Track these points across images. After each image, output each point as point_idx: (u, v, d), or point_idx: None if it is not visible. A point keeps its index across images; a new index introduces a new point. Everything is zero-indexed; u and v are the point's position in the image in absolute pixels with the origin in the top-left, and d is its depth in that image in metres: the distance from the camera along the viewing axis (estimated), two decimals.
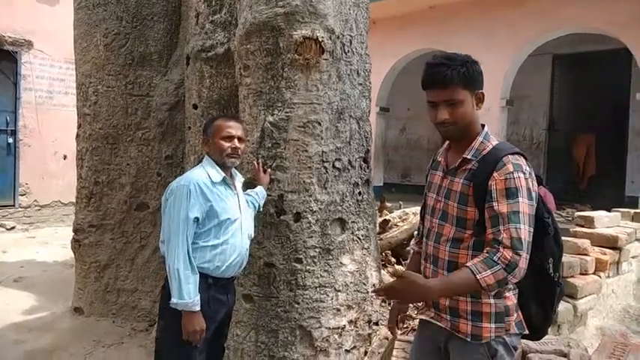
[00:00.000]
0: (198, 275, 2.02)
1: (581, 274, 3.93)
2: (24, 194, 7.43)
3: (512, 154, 1.59)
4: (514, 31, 7.92)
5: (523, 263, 1.50)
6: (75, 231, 4.05)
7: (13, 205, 7.39)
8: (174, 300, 1.97)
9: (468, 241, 1.63)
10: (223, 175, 2.16)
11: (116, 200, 3.92)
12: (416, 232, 2.08)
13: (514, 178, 1.53)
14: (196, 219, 2.03)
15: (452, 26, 8.34)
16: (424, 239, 1.81)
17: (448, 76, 1.56)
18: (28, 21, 7.26)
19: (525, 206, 1.52)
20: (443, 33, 8.36)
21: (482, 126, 1.70)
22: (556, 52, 9.16)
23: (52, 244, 6.56)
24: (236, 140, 2.18)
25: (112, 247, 3.94)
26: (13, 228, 7.23)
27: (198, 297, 2.00)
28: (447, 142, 1.80)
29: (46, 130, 7.39)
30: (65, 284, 4.51)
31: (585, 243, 4.16)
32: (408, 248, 3.29)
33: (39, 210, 7.57)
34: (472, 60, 1.62)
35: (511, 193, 1.53)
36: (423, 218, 1.91)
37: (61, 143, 7.29)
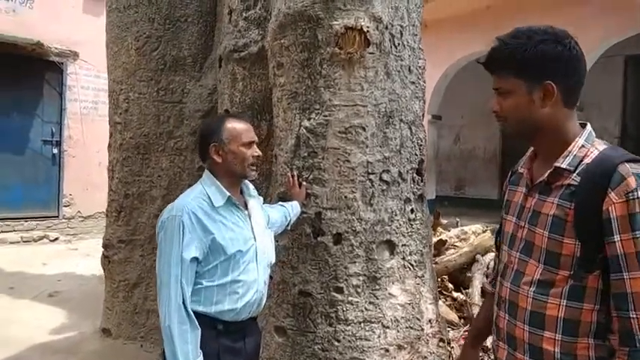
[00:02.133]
0: (199, 331, 1.62)
1: None
2: (68, 205, 7.44)
3: (630, 161, 1.11)
4: (581, 31, 7.11)
5: None
6: (104, 247, 3.83)
7: (57, 217, 7.40)
8: None
9: (562, 285, 1.17)
10: (228, 195, 1.74)
11: (147, 214, 3.66)
12: (492, 265, 1.60)
13: (637, 199, 1.06)
14: (195, 259, 1.63)
15: (510, 27, 7.67)
16: (499, 278, 1.36)
17: (494, 58, 1.23)
18: (74, 32, 7.30)
19: None
20: (501, 34, 7.73)
21: (583, 125, 1.24)
22: (629, 53, 8.33)
23: (94, 256, 6.44)
24: (256, 146, 1.80)
25: (142, 264, 3.68)
26: (56, 239, 7.23)
27: (201, 358, 1.60)
28: (532, 149, 1.35)
29: (91, 141, 7.39)
30: (99, 300, 4.29)
31: None
32: (482, 285, 2.76)
33: (82, 221, 7.55)
34: (544, 39, 1.17)
35: (637, 224, 1.06)
36: (498, 249, 1.45)
37: (104, 154, 7.18)
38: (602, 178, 1.10)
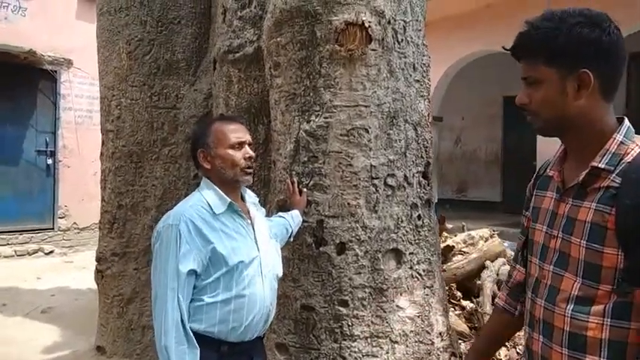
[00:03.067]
0: (198, 350, 1.47)
1: None
2: (63, 217, 7.27)
3: None
4: None
5: None
6: (97, 260, 3.67)
7: (52, 229, 7.23)
8: None
9: (604, 302, 1.02)
10: (229, 200, 1.60)
11: (141, 225, 3.50)
12: (506, 279, 1.44)
13: None
14: (193, 272, 1.49)
15: (511, 25, 7.55)
16: (530, 294, 1.20)
17: (523, 44, 1.09)
18: (67, 39, 7.15)
19: None
20: (502, 33, 7.59)
21: (620, 120, 1.09)
22: (632, 49, 8.20)
23: (89, 269, 6.23)
24: (247, 147, 1.64)
25: (137, 278, 3.52)
26: (51, 252, 7.06)
27: None
28: (562, 148, 1.19)
29: (86, 151, 7.23)
30: (93, 316, 4.13)
31: None
32: (495, 302, 2.60)
33: (78, 233, 7.39)
34: (580, 22, 1.03)
35: None
36: (524, 261, 1.29)
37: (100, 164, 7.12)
38: None
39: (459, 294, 3.37)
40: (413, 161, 2.35)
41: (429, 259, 2.40)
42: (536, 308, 1.16)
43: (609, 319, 1.02)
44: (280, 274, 1.79)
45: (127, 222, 3.53)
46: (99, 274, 3.64)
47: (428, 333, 2.31)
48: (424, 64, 2.45)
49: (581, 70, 1.04)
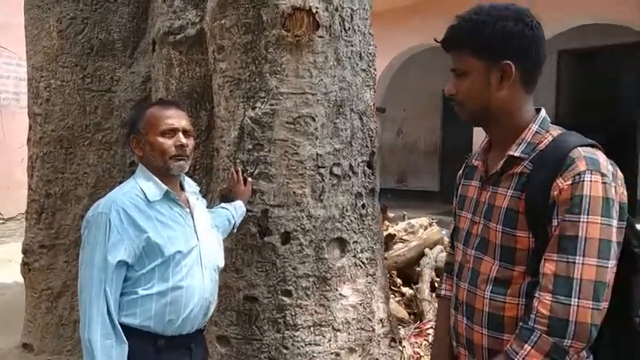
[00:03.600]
0: (126, 345, 1.40)
1: None
2: None
3: (584, 145, 1.04)
4: None
5: (587, 317, 0.95)
6: (24, 252, 3.44)
7: None
8: None
9: (519, 283, 1.09)
10: (165, 188, 1.52)
11: (71, 215, 3.30)
12: (445, 267, 1.49)
13: (583, 182, 0.99)
14: (123, 263, 1.41)
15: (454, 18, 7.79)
16: (455, 278, 1.26)
17: (452, 36, 1.15)
18: None
19: (596, 228, 0.97)
20: (444, 26, 7.79)
21: (538, 110, 1.16)
22: (562, 47, 8.66)
23: (16, 262, 5.87)
24: (181, 135, 1.55)
25: (67, 271, 3.32)
26: None
27: None
28: (487, 139, 1.25)
29: (12, 135, 6.73)
30: (20, 312, 3.88)
31: None
32: (436, 292, 2.65)
33: (4, 223, 6.91)
34: (505, 15, 1.08)
35: (575, 207, 0.98)
36: (454, 248, 1.35)
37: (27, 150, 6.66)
38: (555, 165, 1.03)
39: (399, 281, 3.45)
40: (358, 150, 2.35)
41: (372, 247, 2.42)
42: (460, 291, 1.22)
43: (524, 299, 1.08)
44: (221, 265, 1.73)
45: (57, 212, 3.32)
46: (25, 267, 3.41)
47: (369, 320, 2.34)
48: (370, 53, 2.45)
49: (504, 62, 1.09)
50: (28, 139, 3.52)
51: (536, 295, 1.02)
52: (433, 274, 3.49)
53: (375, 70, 2.50)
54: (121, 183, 3.08)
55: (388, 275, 3.35)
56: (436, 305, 1.54)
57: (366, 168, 2.42)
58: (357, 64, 2.33)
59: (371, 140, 2.44)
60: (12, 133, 6.78)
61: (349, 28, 2.26)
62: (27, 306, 3.45)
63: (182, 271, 1.49)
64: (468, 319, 1.18)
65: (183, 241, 1.51)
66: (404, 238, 3.73)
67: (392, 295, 3.33)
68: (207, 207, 1.89)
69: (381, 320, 2.43)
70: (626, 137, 8.16)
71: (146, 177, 1.53)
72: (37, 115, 3.38)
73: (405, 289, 3.50)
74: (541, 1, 7.23)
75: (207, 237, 1.65)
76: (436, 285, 3.17)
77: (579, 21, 7.40)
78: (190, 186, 1.70)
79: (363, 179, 2.40)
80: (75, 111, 3.28)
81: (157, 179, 1.53)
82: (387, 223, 4.25)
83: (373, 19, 2.52)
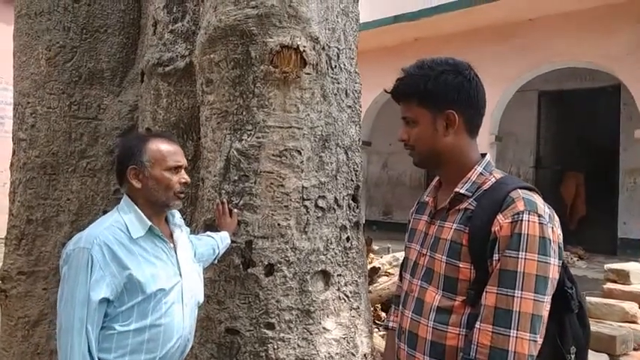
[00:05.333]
0: None
1: (634, 349, 3.12)
2: None
3: (523, 188, 1.14)
4: (502, 66, 7.64)
5: (525, 348, 1.01)
6: (1, 279, 3.35)
7: None
8: None
9: (460, 313, 1.15)
10: (149, 224, 1.51)
11: (52, 242, 3.25)
12: (394, 300, 1.55)
13: (522, 221, 1.07)
14: (105, 300, 1.39)
15: None
16: (401, 307, 1.32)
17: (400, 88, 1.28)
18: None
19: (534, 265, 1.05)
20: None
21: (483, 156, 1.27)
22: (542, 88, 8.95)
23: None
24: (183, 172, 1.58)
25: (45, 299, 3.25)
26: None
27: None
28: (437, 178, 1.36)
29: None
30: None
31: (633, 307, 3.38)
32: (384, 322, 2.64)
33: None
34: (446, 69, 1.20)
35: (514, 244, 1.06)
36: (402, 279, 1.42)
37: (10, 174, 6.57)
38: (496, 203, 1.12)
39: (383, 315, 3.43)
40: (343, 184, 2.38)
41: (356, 280, 2.43)
42: (404, 320, 1.27)
43: (465, 330, 1.13)
44: (202, 300, 1.72)
45: (37, 238, 3.27)
46: (2, 293, 3.33)
47: (353, 355, 2.32)
48: (356, 90, 2.52)
49: (448, 111, 1.20)
50: (11, 165, 3.49)
51: (477, 325, 1.07)
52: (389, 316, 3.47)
53: (360, 106, 2.56)
54: (104, 211, 3.07)
55: (372, 309, 3.35)
56: None
57: (351, 201, 2.45)
58: (343, 101, 2.39)
59: (356, 174, 2.48)
60: None
61: (335, 66, 2.32)
62: (2, 334, 3.35)
63: (162, 309, 1.47)
64: (410, 347, 1.23)
65: (165, 279, 1.50)
66: (388, 271, 3.73)
67: (376, 329, 3.31)
68: (193, 234, 1.89)
69: (364, 355, 2.41)
70: (604, 175, 8.37)
71: (130, 210, 1.52)
72: (21, 141, 3.37)
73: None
74: (523, 46, 7.53)
75: (190, 272, 1.64)
76: None
77: (558, 65, 7.68)
78: (174, 217, 1.70)
79: (348, 212, 2.42)
80: (60, 137, 3.28)
81: (141, 213, 1.51)
82: (372, 256, 4.26)
83: (360, 56, 2.60)
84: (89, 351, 1.36)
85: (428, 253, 1.25)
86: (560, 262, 1.11)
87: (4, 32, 6.83)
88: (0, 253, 7.09)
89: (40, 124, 3.29)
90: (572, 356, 1.15)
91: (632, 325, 3.23)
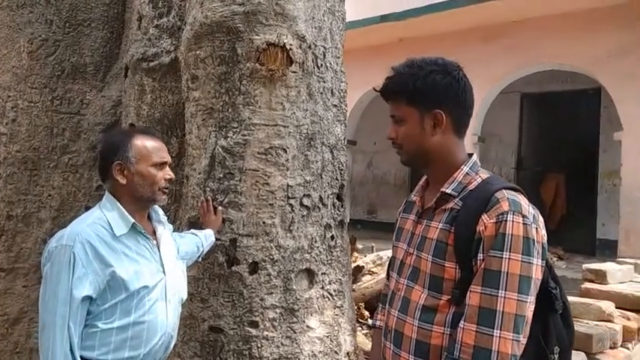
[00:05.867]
0: None
1: (610, 347, 3.18)
2: None
3: (509, 188, 1.15)
4: (486, 67, 7.71)
5: (508, 347, 1.02)
6: None
7: None
8: None
9: (444, 312, 1.15)
10: (132, 221, 1.50)
11: (32, 239, 3.20)
12: (381, 298, 1.56)
13: (506, 221, 1.08)
14: (88, 298, 1.38)
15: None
16: (387, 306, 1.33)
17: (388, 87, 1.29)
18: None
19: (517, 265, 1.06)
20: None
21: (470, 156, 1.28)
22: (524, 90, 9.06)
23: None
24: (168, 168, 1.58)
25: (25, 296, 3.20)
26: None
27: None
28: (425, 178, 1.37)
29: None
30: None
31: (610, 306, 3.42)
32: (371, 322, 2.67)
33: None
34: (434, 69, 1.20)
35: (498, 244, 1.07)
36: (389, 278, 1.43)
37: None
38: (481, 203, 1.13)
39: (367, 313, 3.45)
40: (328, 183, 2.39)
41: (340, 279, 2.44)
42: (390, 319, 1.28)
43: (448, 329, 1.14)
44: (185, 297, 1.72)
45: (17, 234, 3.22)
46: None
47: (336, 353, 2.33)
48: (341, 89, 2.52)
49: (435, 110, 1.21)
50: None
51: (461, 325, 1.08)
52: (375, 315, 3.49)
53: (346, 105, 2.57)
54: (87, 207, 3.03)
55: (356, 307, 3.36)
56: None
57: (335, 200, 2.46)
58: (329, 100, 2.39)
59: (341, 173, 2.49)
60: None
61: (322, 65, 2.33)
62: None
63: (145, 306, 1.47)
64: (396, 346, 1.24)
65: (149, 276, 1.49)
66: (372, 270, 3.75)
67: (359, 328, 3.33)
68: (176, 231, 1.88)
69: (347, 353, 2.42)
70: (584, 176, 8.52)
71: (113, 207, 1.51)
72: (2, 135, 3.30)
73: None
74: (507, 48, 7.62)
75: (173, 269, 1.63)
76: None
77: (541, 67, 7.79)
78: (157, 214, 1.69)
79: (333, 211, 2.43)
80: (42, 132, 3.23)
81: (123, 210, 1.50)
82: (356, 255, 4.28)
83: (347, 55, 2.61)
84: (71, 349, 1.35)
85: (415, 252, 1.26)
86: (544, 262, 1.12)
87: None
88: None
89: (21, 119, 3.24)
90: (556, 356, 1.16)
91: (608, 324, 3.29)
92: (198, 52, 2.24)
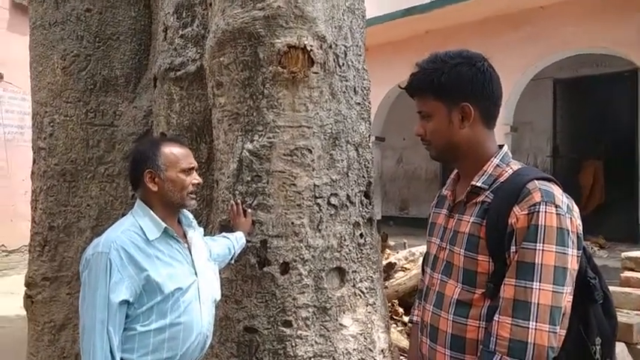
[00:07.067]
0: None
1: None
2: None
3: (540, 179, 1.12)
4: (515, 55, 7.54)
5: (544, 339, 1.00)
6: (27, 285, 3.46)
7: None
8: None
9: (479, 305, 1.14)
10: (164, 226, 1.56)
11: (74, 248, 3.34)
12: (417, 294, 1.55)
13: (538, 212, 1.06)
14: (125, 302, 1.44)
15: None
16: (422, 301, 1.34)
17: (414, 83, 1.27)
18: None
19: (552, 256, 1.03)
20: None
21: (501, 147, 1.26)
22: (556, 76, 8.81)
23: (18, 294, 5.88)
24: (195, 173, 1.64)
25: (70, 303, 3.33)
26: None
27: None
28: (456, 171, 1.35)
29: (16, 169, 6.84)
30: (22, 344, 3.86)
31: None
32: (408, 317, 2.67)
33: (7, 256, 6.94)
34: (459, 62, 1.19)
35: (531, 235, 1.06)
36: (424, 273, 1.43)
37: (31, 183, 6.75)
38: (512, 195, 1.11)
39: (401, 310, 3.44)
40: (355, 181, 2.40)
41: (371, 276, 2.44)
42: (425, 314, 1.28)
43: (484, 322, 1.13)
44: (219, 297, 1.76)
45: (60, 244, 3.36)
46: (28, 299, 3.43)
47: (370, 350, 2.34)
48: (364, 87, 2.53)
49: (463, 104, 1.20)
50: (32, 173, 3.58)
51: (496, 318, 1.07)
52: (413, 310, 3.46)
53: (369, 103, 2.57)
54: (124, 215, 3.14)
55: (389, 304, 3.36)
56: None
57: (363, 198, 2.46)
58: (352, 98, 2.40)
59: (367, 171, 2.49)
60: (16, 166, 6.89)
61: (343, 64, 2.34)
62: (29, 339, 3.45)
63: (180, 308, 1.51)
64: (432, 341, 1.23)
65: (182, 278, 1.54)
66: (405, 266, 3.73)
67: (393, 325, 3.32)
68: (208, 235, 1.94)
69: (382, 350, 2.42)
70: (622, 162, 8.22)
71: (145, 214, 1.57)
72: (41, 149, 3.46)
73: (407, 319, 3.49)
74: (535, 34, 7.44)
75: (206, 271, 1.68)
76: None
77: (572, 52, 7.56)
78: (187, 219, 1.75)
79: (361, 209, 2.44)
80: (78, 145, 3.36)
81: (154, 215, 1.56)
82: (388, 252, 4.26)
83: (370, 52, 2.61)
84: (111, 352, 1.40)
85: (447, 247, 1.25)
86: (580, 252, 1.10)
87: (20, 43, 7.00)
88: (25, 260, 7.24)
89: (58, 133, 3.38)
90: (598, 347, 1.13)
91: None
92: (221, 59, 2.28)
